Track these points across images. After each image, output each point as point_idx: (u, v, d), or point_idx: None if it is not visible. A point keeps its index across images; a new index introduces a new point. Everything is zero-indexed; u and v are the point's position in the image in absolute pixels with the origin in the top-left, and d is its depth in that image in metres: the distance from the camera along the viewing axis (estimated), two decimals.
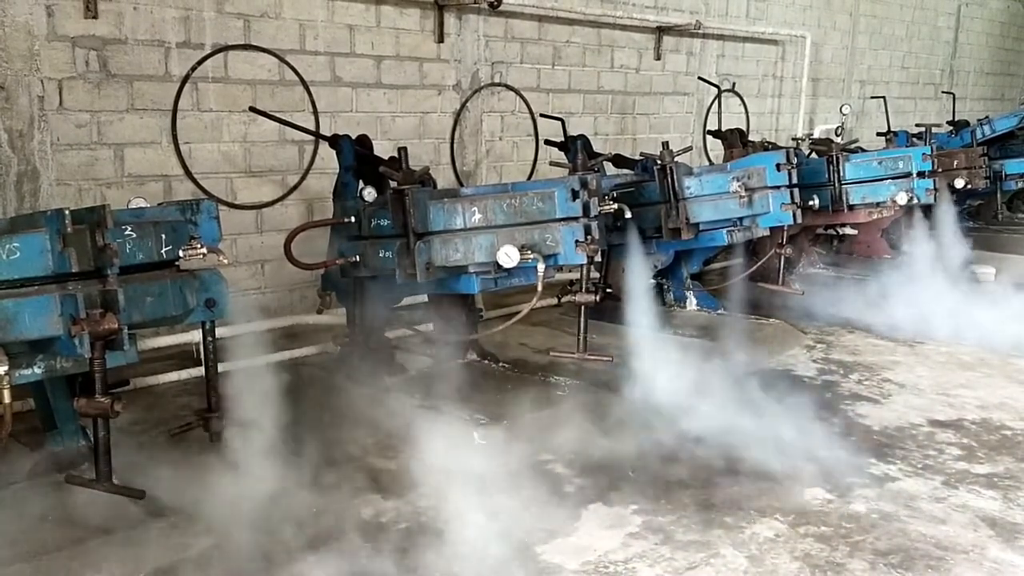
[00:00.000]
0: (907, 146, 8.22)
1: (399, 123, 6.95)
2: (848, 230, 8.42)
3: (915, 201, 7.07)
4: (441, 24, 7.09)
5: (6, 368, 3.01)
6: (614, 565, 3.23)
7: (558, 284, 5.69)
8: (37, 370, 3.16)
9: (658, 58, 9.28)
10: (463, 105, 7.39)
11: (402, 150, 4.47)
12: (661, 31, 9.16)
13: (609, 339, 5.43)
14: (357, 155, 5.11)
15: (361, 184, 4.85)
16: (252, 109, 5.63)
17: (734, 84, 10.30)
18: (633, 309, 5.35)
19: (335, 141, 5.18)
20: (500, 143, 7.83)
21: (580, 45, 8.41)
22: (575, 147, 6.14)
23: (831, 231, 8.54)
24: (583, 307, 4.49)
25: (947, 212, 7.63)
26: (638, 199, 5.70)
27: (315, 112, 6.34)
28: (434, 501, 3.66)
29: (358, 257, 4.66)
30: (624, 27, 8.77)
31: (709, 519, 3.58)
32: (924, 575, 3.19)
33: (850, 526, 3.54)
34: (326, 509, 3.56)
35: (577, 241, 4.17)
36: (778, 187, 5.98)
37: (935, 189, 7.08)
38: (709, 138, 9.21)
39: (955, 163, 7.88)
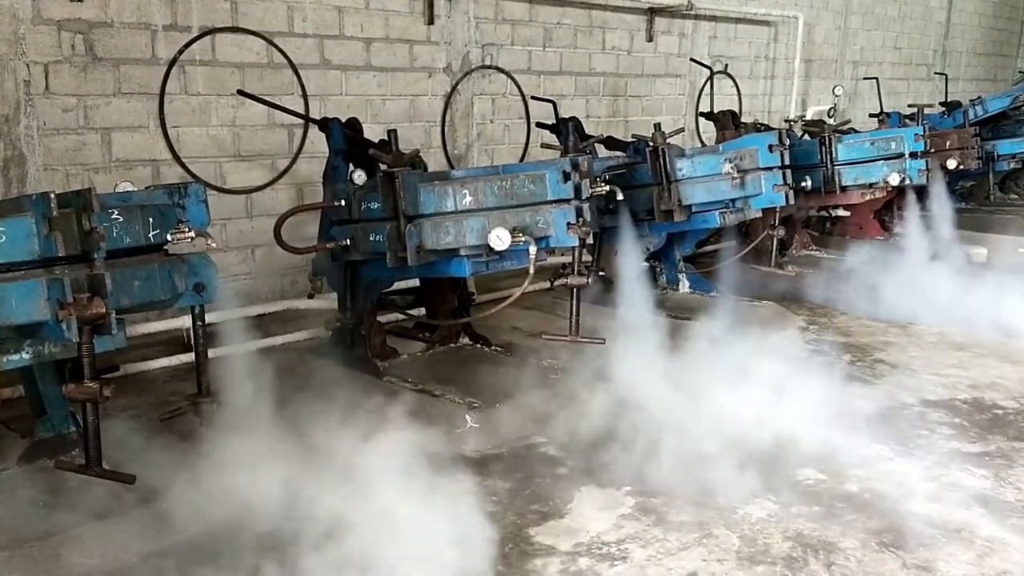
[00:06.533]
0: (900, 127, 8.20)
1: (389, 106, 6.89)
2: (841, 211, 8.42)
3: (907, 182, 7.09)
4: (431, 6, 7.02)
5: None
6: (607, 547, 3.24)
7: (550, 268, 5.69)
8: (25, 355, 3.14)
9: (650, 39, 9.22)
10: (454, 88, 7.34)
11: (392, 133, 4.46)
12: (653, 12, 9.10)
13: (602, 322, 5.42)
14: (347, 138, 5.07)
15: (351, 167, 4.82)
16: (241, 92, 5.57)
17: (726, 66, 10.25)
18: (626, 292, 5.34)
19: (325, 124, 5.14)
20: (491, 126, 7.78)
21: (571, 27, 8.35)
22: (567, 129, 6.12)
23: (824, 212, 8.54)
24: (575, 290, 4.48)
25: (939, 193, 7.63)
26: (630, 181, 5.68)
27: (304, 95, 6.29)
28: (426, 484, 3.66)
29: (349, 241, 4.63)
30: (616, 8, 8.71)
31: (701, 500, 3.58)
32: (916, 553, 3.20)
33: (842, 505, 3.55)
34: (319, 496, 3.55)
35: (569, 223, 4.16)
36: (770, 168, 5.99)
37: (927, 170, 7.10)
38: (701, 120, 9.15)
39: (947, 144, 7.90)
